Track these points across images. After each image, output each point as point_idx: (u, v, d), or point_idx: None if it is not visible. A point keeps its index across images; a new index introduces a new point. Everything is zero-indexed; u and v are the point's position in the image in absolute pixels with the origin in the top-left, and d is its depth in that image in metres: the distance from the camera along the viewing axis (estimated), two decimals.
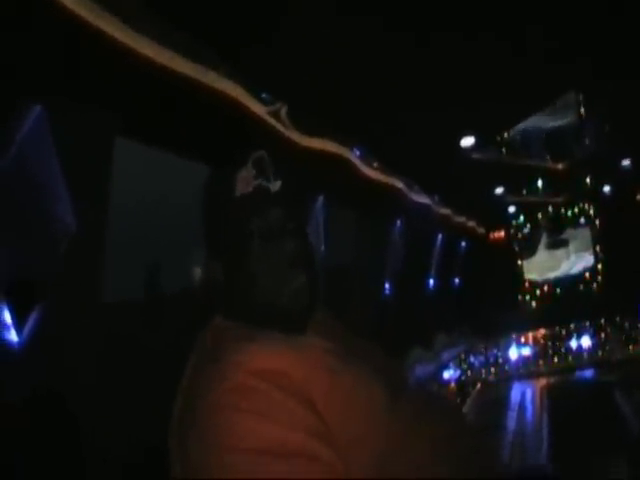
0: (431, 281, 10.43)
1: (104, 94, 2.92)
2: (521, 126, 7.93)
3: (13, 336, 2.70)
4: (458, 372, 9.80)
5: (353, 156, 5.50)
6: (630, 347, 10.61)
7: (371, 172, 5.95)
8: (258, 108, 3.78)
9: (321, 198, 5.26)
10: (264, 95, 3.84)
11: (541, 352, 10.85)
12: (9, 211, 2.64)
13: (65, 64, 2.68)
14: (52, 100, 2.68)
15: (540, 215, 12.89)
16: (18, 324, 2.74)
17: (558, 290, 12.73)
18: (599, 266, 12.78)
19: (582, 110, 7.60)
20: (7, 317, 2.60)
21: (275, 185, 1.38)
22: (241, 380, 1.21)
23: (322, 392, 1.25)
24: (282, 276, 1.37)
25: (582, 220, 12.97)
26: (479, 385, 10.09)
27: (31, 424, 2.79)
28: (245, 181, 1.37)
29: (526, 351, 10.83)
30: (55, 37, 2.53)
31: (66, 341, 2.89)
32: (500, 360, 10.71)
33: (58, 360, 2.87)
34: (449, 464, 1.33)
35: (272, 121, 3.93)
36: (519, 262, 12.97)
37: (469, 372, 10.31)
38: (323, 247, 5.20)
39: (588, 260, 12.89)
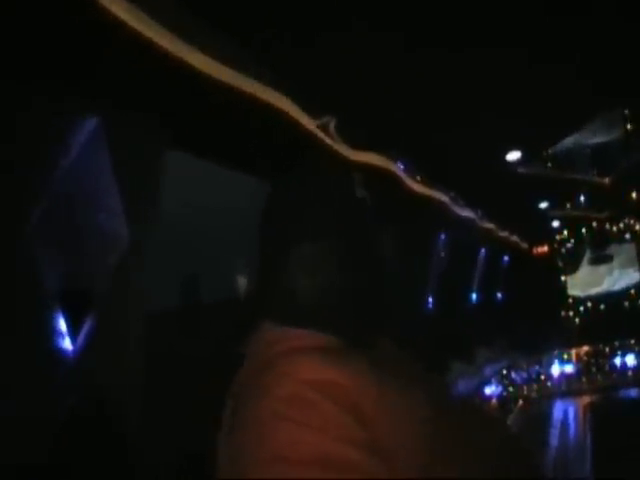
0: (473, 295, 10.37)
1: (156, 106, 2.96)
2: (567, 140, 7.88)
3: (67, 344, 2.74)
4: (500, 388, 9.72)
5: (398, 169, 5.51)
6: None
7: (415, 185, 5.96)
8: (307, 121, 3.80)
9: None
10: (314, 107, 3.87)
11: (584, 369, 10.72)
12: (64, 222, 2.68)
13: (121, 76, 2.72)
14: (109, 112, 2.72)
15: (584, 230, 12.76)
16: (72, 332, 2.78)
17: (602, 306, 12.57)
18: None
19: (629, 124, 7.53)
20: (62, 325, 2.63)
21: (362, 192, 1.44)
22: (293, 390, 1.22)
23: (370, 403, 1.25)
24: (375, 280, 1.41)
25: (627, 236, 12.80)
26: (521, 402, 10.00)
27: (82, 431, 2.82)
28: (359, 188, 1.42)
29: (569, 368, 10.71)
30: (112, 49, 2.58)
31: (114, 350, 2.93)
32: (542, 377, 10.61)
33: (107, 368, 2.90)
34: (495, 475, 1.32)
35: (321, 134, 3.95)
36: (562, 277, 12.84)
37: (511, 388, 10.22)
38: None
39: (633, 277, 12.71)
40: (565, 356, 10.78)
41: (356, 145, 4.52)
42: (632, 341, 10.79)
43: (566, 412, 9.49)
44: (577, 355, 10.84)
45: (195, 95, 3.07)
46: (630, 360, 10.68)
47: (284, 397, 1.21)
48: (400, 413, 1.27)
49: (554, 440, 8.08)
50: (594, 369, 10.70)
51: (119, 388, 3.00)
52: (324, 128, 3.96)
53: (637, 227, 12.73)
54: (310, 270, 1.37)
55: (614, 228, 12.78)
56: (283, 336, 1.37)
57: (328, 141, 4.02)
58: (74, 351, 2.71)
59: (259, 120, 3.43)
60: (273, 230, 1.43)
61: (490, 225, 9.72)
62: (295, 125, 3.64)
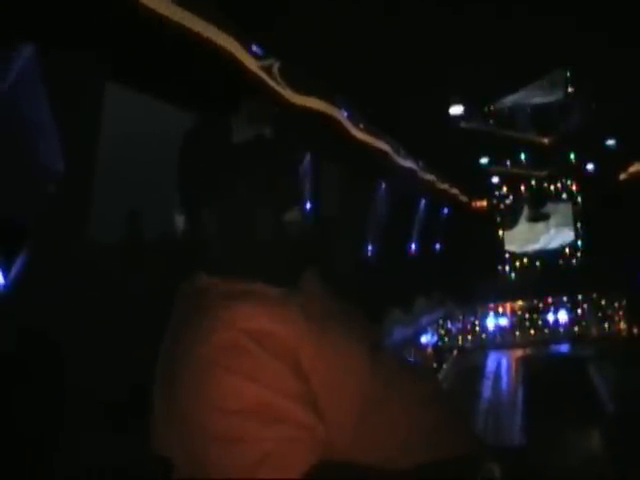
0: (412, 245, 10.46)
1: (97, 38, 2.89)
2: (509, 98, 7.94)
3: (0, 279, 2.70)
4: (435, 338, 9.89)
5: (342, 116, 5.49)
6: (606, 324, 10.74)
7: (358, 133, 5.95)
8: (250, 62, 3.76)
9: (308, 155, 5.28)
10: (257, 49, 3.83)
11: (518, 323, 10.96)
12: None
13: (60, 6, 2.65)
14: (45, 41, 2.66)
15: (523, 188, 12.92)
16: (4, 266, 2.73)
17: (537, 263, 12.81)
18: (579, 242, 12.86)
19: (570, 87, 7.61)
20: None
21: (269, 132, 1.39)
22: (231, 337, 1.23)
23: (307, 353, 1.26)
24: (281, 215, 1.38)
25: (564, 195, 13.02)
26: (456, 352, 10.20)
27: (18, 364, 2.80)
28: (241, 129, 1.37)
29: (503, 321, 10.94)
30: None
31: (51, 282, 2.89)
32: (477, 328, 10.82)
33: (44, 301, 2.87)
34: (421, 427, 1.35)
35: (264, 76, 3.91)
36: (500, 233, 13.03)
37: (446, 338, 10.41)
38: (309, 203, 5.21)
39: (568, 235, 12.96)
40: (500, 309, 10.99)
41: (299, 89, 4.49)
42: (565, 298, 11.04)
43: (499, 364, 9.70)
44: (512, 309, 11.06)
45: (136, 29, 3.00)
46: (562, 316, 10.95)
47: (220, 344, 1.22)
48: (336, 364, 1.29)
49: (487, 391, 8.25)
50: (528, 323, 10.95)
51: (53, 323, 2.97)
52: (267, 70, 3.93)
53: (574, 187, 12.95)
54: (235, 221, 1.37)
55: (552, 187, 12.98)
56: (217, 282, 1.36)
57: (271, 83, 3.99)
58: (6, 285, 2.68)
59: (201, 58, 3.39)
60: (196, 181, 1.42)
61: (431, 177, 9.78)
62: (237, 65, 3.60)
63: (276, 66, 4.01)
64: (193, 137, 1.44)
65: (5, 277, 2.74)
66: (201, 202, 1.39)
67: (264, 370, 1.21)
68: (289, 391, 1.21)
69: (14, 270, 2.75)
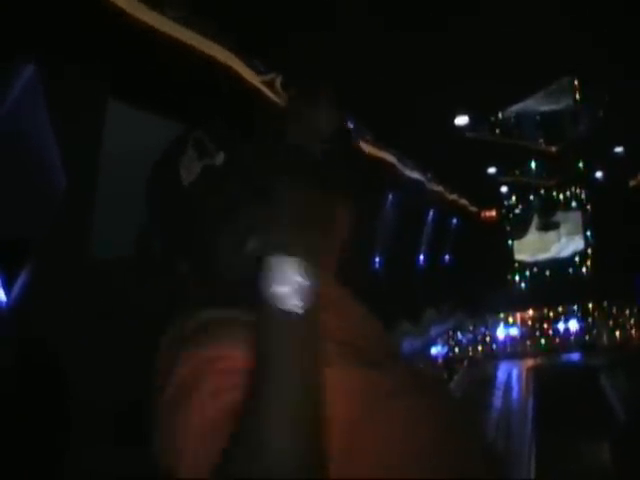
0: (421, 257, 10.45)
1: (98, 55, 2.91)
2: (516, 107, 7.94)
3: (1, 295, 2.71)
4: (446, 349, 9.87)
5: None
6: (617, 333, 10.69)
7: (365, 146, 5.95)
8: (252, 77, 3.78)
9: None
10: (258, 64, 3.84)
11: (528, 333, 10.93)
12: None
13: (60, 24, 2.67)
14: (46, 59, 2.68)
15: (532, 197, 12.91)
16: (6, 283, 2.74)
17: (547, 272, 12.78)
18: (589, 250, 12.83)
19: (577, 95, 7.60)
20: None
21: (220, 158, 1.35)
22: (195, 365, 1.24)
23: None
24: (249, 244, 1.32)
25: (574, 204, 13.01)
26: (466, 363, 10.17)
27: (19, 383, 2.81)
28: (188, 168, 1.35)
29: (514, 331, 10.91)
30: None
31: (55, 299, 2.91)
32: (488, 339, 10.80)
33: (47, 319, 2.88)
34: (417, 447, 1.33)
35: (266, 90, 3.93)
36: (510, 242, 13.00)
37: (456, 349, 10.39)
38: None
39: (578, 244, 12.94)
40: (510, 319, 10.97)
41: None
42: (575, 307, 11.00)
43: (510, 374, 9.67)
44: (522, 319, 11.04)
45: (137, 46, 3.03)
46: (573, 325, 10.91)
47: (184, 376, 1.23)
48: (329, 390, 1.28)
49: (497, 401, 8.24)
50: (538, 333, 10.92)
51: (57, 339, 2.98)
52: (269, 85, 3.94)
53: (583, 196, 12.92)
54: (200, 260, 1.36)
55: (561, 196, 12.96)
56: (190, 318, 1.36)
57: (273, 97, 4.00)
58: (8, 303, 2.69)
59: (202, 74, 3.41)
60: (164, 227, 1.41)
61: (439, 188, 9.77)
62: (239, 80, 3.62)
63: (278, 81, 4.02)
64: (150, 182, 1.43)
65: (7, 294, 2.76)
66: (172, 247, 1.38)
67: (224, 390, 1.21)
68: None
69: (16, 287, 2.76)
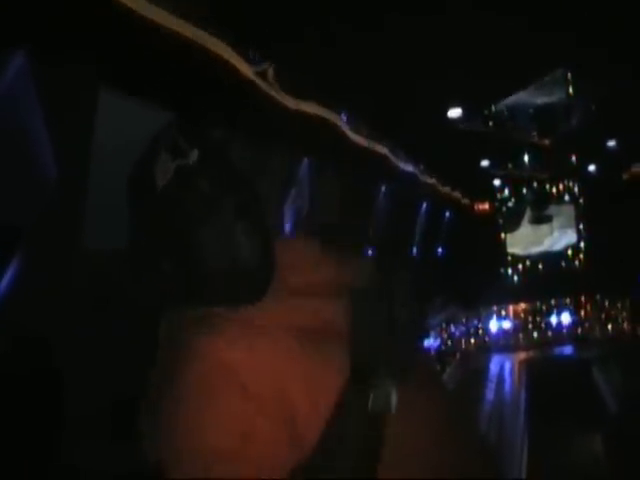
0: (414, 249, 10.46)
1: (90, 45, 2.89)
2: (509, 100, 7.94)
3: None
4: (439, 341, 9.89)
5: (340, 121, 5.49)
6: (609, 326, 10.74)
7: (358, 137, 5.95)
8: (245, 67, 3.76)
9: (307, 160, 5.27)
10: (252, 55, 3.82)
11: (521, 326, 10.97)
12: None
13: (51, 13, 2.65)
14: (36, 47, 2.66)
15: (525, 190, 12.93)
16: None
17: (540, 265, 12.81)
18: (582, 244, 12.86)
19: (570, 88, 7.61)
20: None
21: (193, 156, 1.34)
22: (203, 372, 1.23)
23: (291, 388, 1.25)
24: (229, 236, 1.33)
25: (566, 197, 13.02)
26: (458, 355, 10.20)
27: (12, 374, 2.79)
28: (163, 171, 1.35)
29: (506, 324, 10.94)
30: None
31: (48, 289, 2.90)
32: (480, 331, 10.83)
33: (39, 309, 2.87)
34: (431, 439, 1.33)
35: (259, 81, 3.91)
36: (503, 235, 13.03)
37: (449, 342, 10.40)
38: (308, 208, 5.19)
39: (571, 237, 12.96)
40: (503, 312, 10.99)
41: (297, 94, 4.49)
42: (567, 300, 11.03)
43: (502, 367, 9.71)
44: (515, 312, 11.07)
45: (129, 35, 3.01)
46: (565, 318, 10.95)
47: (194, 381, 1.23)
48: (325, 402, 1.28)
49: (490, 394, 8.26)
50: (531, 326, 10.96)
51: (48, 329, 2.97)
52: (263, 75, 3.92)
53: (576, 189, 12.94)
54: (219, 247, 1.35)
55: (554, 189, 12.98)
56: (189, 314, 1.36)
57: (267, 89, 3.98)
58: None
59: (195, 64, 3.39)
60: (181, 210, 1.41)
61: (432, 180, 9.77)
62: (233, 71, 3.60)
63: (271, 71, 4.00)
64: (127, 187, 1.42)
65: None
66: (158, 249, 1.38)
67: (235, 414, 1.21)
68: (261, 437, 1.21)
69: (7, 276, 2.75)
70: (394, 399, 1.27)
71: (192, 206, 1.32)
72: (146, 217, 1.37)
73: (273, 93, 4.18)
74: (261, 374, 1.24)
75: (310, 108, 4.83)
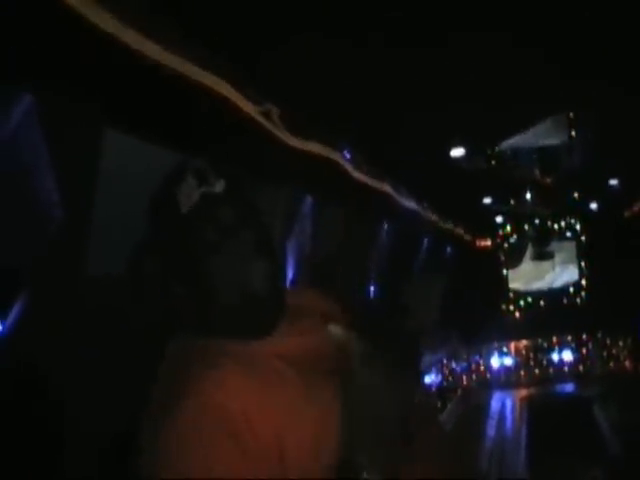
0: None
1: (94, 85, 2.94)
2: (511, 139, 7.99)
3: None
4: (439, 377, 9.85)
5: (343, 159, 5.54)
6: (611, 364, 10.68)
7: (360, 175, 5.99)
8: (249, 107, 3.80)
9: (310, 198, 5.31)
10: (255, 95, 3.87)
11: (522, 362, 10.91)
12: None
13: (57, 55, 2.70)
14: (42, 89, 2.71)
15: (527, 226, 12.95)
16: (1, 312, 2.76)
17: (542, 302, 12.78)
18: (583, 281, 12.84)
19: (573, 129, 7.66)
20: None
21: (219, 186, 1.37)
22: (193, 413, 1.25)
23: (286, 434, 1.27)
24: (245, 269, 1.36)
25: (568, 234, 13.04)
26: (460, 391, 10.15)
27: (15, 412, 2.81)
28: (187, 195, 1.37)
29: (508, 361, 10.89)
30: (48, 28, 2.55)
31: (52, 317, 2.92)
32: (482, 368, 10.77)
33: (44, 336, 2.89)
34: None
35: (264, 121, 3.96)
36: (504, 271, 13.02)
37: (450, 378, 10.36)
38: (311, 244, 5.22)
39: (573, 273, 12.95)
40: (504, 349, 10.95)
41: (298, 133, 4.53)
42: (569, 337, 10.99)
43: (503, 403, 9.66)
44: (516, 348, 11.02)
45: (132, 75, 3.05)
46: (567, 355, 10.90)
47: (185, 421, 1.24)
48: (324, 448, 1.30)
49: (491, 431, 8.22)
50: (532, 363, 10.90)
51: (52, 368, 2.99)
52: (266, 115, 3.97)
53: (577, 226, 12.96)
54: (234, 277, 1.37)
55: (556, 226, 13.00)
56: (194, 347, 1.37)
57: (271, 128, 4.03)
58: (3, 330, 2.70)
59: (198, 104, 3.43)
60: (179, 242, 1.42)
61: (434, 217, 9.80)
62: (236, 111, 3.65)
63: (275, 111, 4.05)
64: (149, 209, 1.44)
65: (2, 323, 2.77)
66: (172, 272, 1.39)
67: (225, 464, 1.23)
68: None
69: (11, 316, 2.77)
70: None
71: (213, 234, 1.35)
72: (164, 238, 1.39)
73: (277, 132, 4.23)
74: (250, 416, 1.25)
75: (313, 147, 4.88)
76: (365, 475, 1.27)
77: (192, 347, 1.34)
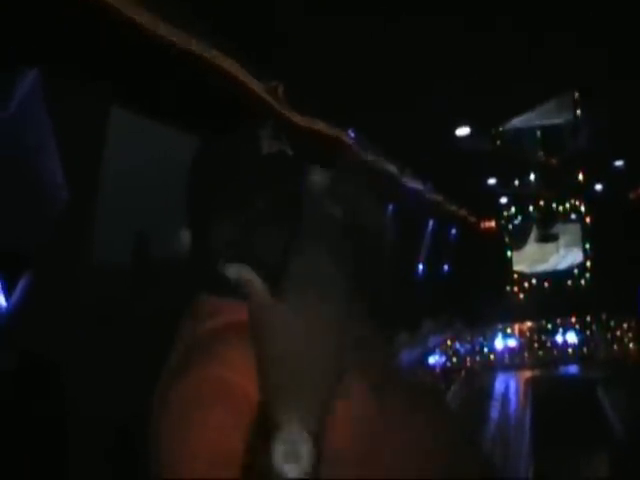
0: (420, 267, 10.44)
1: (100, 63, 2.91)
2: (517, 119, 7.95)
3: (1, 301, 2.71)
4: (444, 358, 9.86)
5: (348, 138, 5.51)
6: (615, 346, 10.68)
7: (365, 155, 5.96)
8: (256, 85, 3.78)
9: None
10: (262, 73, 3.84)
11: (526, 344, 10.91)
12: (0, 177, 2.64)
13: (64, 32, 2.66)
14: (49, 66, 2.67)
15: (531, 208, 12.92)
16: (6, 289, 2.74)
17: (546, 284, 12.77)
18: (588, 263, 12.83)
19: (578, 108, 7.62)
20: None
21: (289, 150, 1.37)
22: (196, 386, 1.22)
23: None
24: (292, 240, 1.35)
25: (573, 216, 13.01)
26: (463, 373, 10.16)
27: (18, 389, 2.79)
28: (268, 141, 1.34)
29: (512, 342, 10.88)
30: (56, 5, 2.52)
31: (54, 306, 2.90)
32: (486, 349, 10.78)
33: (45, 325, 2.87)
34: (432, 456, 1.33)
35: (269, 99, 3.93)
36: (509, 253, 13.01)
37: (454, 359, 10.37)
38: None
39: (577, 255, 12.94)
40: (508, 330, 10.95)
41: (305, 112, 4.51)
42: (573, 319, 10.98)
43: (507, 386, 9.65)
44: (520, 330, 11.01)
45: (139, 54, 3.02)
46: (571, 337, 10.89)
47: (186, 391, 1.21)
48: (337, 419, 1.26)
49: (495, 413, 8.21)
50: (536, 345, 10.90)
51: (55, 347, 2.97)
52: (273, 92, 3.94)
53: (582, 208, 12.93)
54: (235, 241, 1.34)
55: (560, 208, 12.96)
56: (213, 309, 1.34)
57: (276, 106, 4.00)
58: (8, 308, 2.68)
59: (206, 82, 3.41)
60: (197, 199, 1.39)
61: (439, 198, 9.78)
62: (242, 88, 3.62)
63: (281, 89, 4.02)
64: (211, 148, 1.41)
65: (7, 300, 2.75)
66: (215, 215, 1.36)
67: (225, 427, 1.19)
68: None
69: (16, 293, 2.75)
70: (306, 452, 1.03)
71: (276, 191, 1.32)
72: (228, 173, 1.33)
73: (283, 110, 4.20)
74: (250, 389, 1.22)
75: (319, 126, 4.85)
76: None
77: (205, 328, 1.32)
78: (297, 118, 4.39)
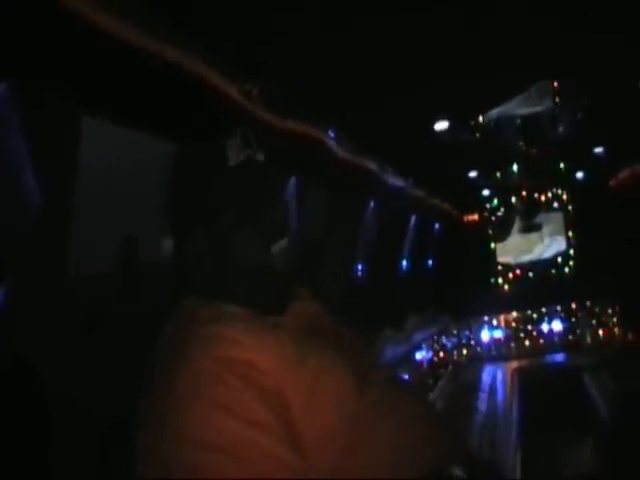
0: (404, 262, 10.47)
1: (73, 71, 2.89)
2: (496, 111, 7.96)
3: None
4: (430, 353, 9.87)
5: (327, 137, 5.50)
6: (600, 332, 10.73)
7: (344, 153, 5.95)
8: (229, 87, 3.76)
9: (294, 177, 5.28)
10: (236, 74, 3.83)
11: (513, 335, 10.95)
12: None
13: (33, 40, 2.65)
14: (18, 76, 2.66)
15: (514, 199, 12.96)
16: None
17: (530, 274, 12.82)
18: (571, 251, 12.89)
19: (557, 96, 7.64)
20: None
21: (260, 155, 1.40)
22: (204, 367, 1.22)
23: (288, 384, 1.25)
24: (269, 245, 1.39)
25: (555, 205, 13.05)
26: (451, 366, 10.18)
27: (5, 404, 2.78)
28: (236, 151, 1.37)
29: (498, 334, 10.92)
30: (23, 14, 2.50)
31: (32, 316, 2.89)
32: (472, 342, 10.81)
33: (25, 335, 2.86)
34: (411, 450, 1.34)
35: (244, 101, 3.91)
36: (492, 245, 13.05)
37: (441, 353, 10.39)
38: (296, 225, 5.21)
39: (561, 244, 12.98)
40: (494, 322, 10.98)
41: (283, 112, 4.50)
42: (558, 307, 11.03)
43: (494, 377, 9.68)
44: (506, 321, 11.04)
45: (112, 61, 3.01)
46: (556, 326, 10.93)
47: (197, 373, 1.21)
48: (322, 395, 1.27)
49: (482, 405, 8.24)
50: (522, 335, 10.94)
51: (37, 354, 2.96)
52: (247, 94, 3.92)
53: (564, 197, 12.98)
54: (223, 244, 1.36)
55: (543, 197, 13.01)
56: (200, 306, 1.35)
57: (252, 108, 3.98)
58: None
59: (178, 87, 3.39)
60: (179, 206, 1.41)
61: (420, 193, 9.79)
62: (218, 92, 3.60)
63: (256, 90, 4.01)
64: (186, 157, 1.44)
65: None
66: (192, 223, 1.38)
67: (240, 402, 1.19)
68: (266, 426, 1.19)
69: None
70: None
71: (255, 197, 1.37)
72: (202, 183, 1.39)
73: (258, 112, 4.19)
74: (262, 371, 1.23)
75: (296, 126, 4.84)
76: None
77: (193, 309, 1.34)
78: (274, 119, 4.38)
